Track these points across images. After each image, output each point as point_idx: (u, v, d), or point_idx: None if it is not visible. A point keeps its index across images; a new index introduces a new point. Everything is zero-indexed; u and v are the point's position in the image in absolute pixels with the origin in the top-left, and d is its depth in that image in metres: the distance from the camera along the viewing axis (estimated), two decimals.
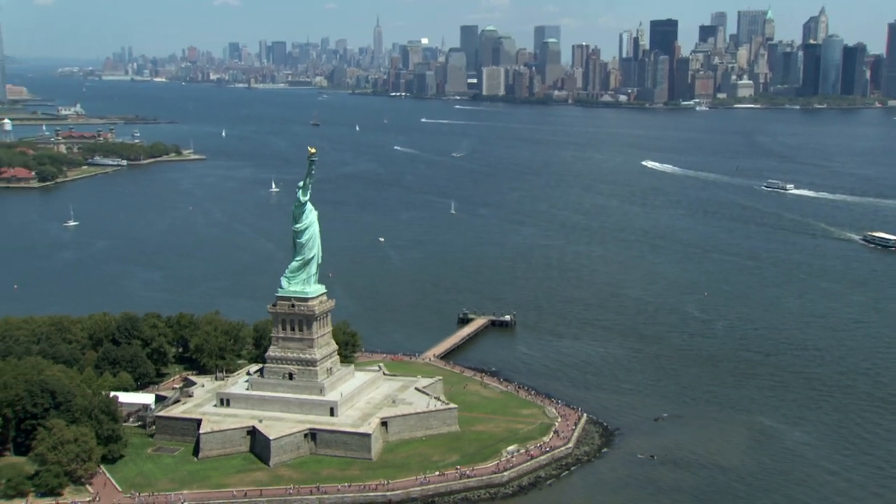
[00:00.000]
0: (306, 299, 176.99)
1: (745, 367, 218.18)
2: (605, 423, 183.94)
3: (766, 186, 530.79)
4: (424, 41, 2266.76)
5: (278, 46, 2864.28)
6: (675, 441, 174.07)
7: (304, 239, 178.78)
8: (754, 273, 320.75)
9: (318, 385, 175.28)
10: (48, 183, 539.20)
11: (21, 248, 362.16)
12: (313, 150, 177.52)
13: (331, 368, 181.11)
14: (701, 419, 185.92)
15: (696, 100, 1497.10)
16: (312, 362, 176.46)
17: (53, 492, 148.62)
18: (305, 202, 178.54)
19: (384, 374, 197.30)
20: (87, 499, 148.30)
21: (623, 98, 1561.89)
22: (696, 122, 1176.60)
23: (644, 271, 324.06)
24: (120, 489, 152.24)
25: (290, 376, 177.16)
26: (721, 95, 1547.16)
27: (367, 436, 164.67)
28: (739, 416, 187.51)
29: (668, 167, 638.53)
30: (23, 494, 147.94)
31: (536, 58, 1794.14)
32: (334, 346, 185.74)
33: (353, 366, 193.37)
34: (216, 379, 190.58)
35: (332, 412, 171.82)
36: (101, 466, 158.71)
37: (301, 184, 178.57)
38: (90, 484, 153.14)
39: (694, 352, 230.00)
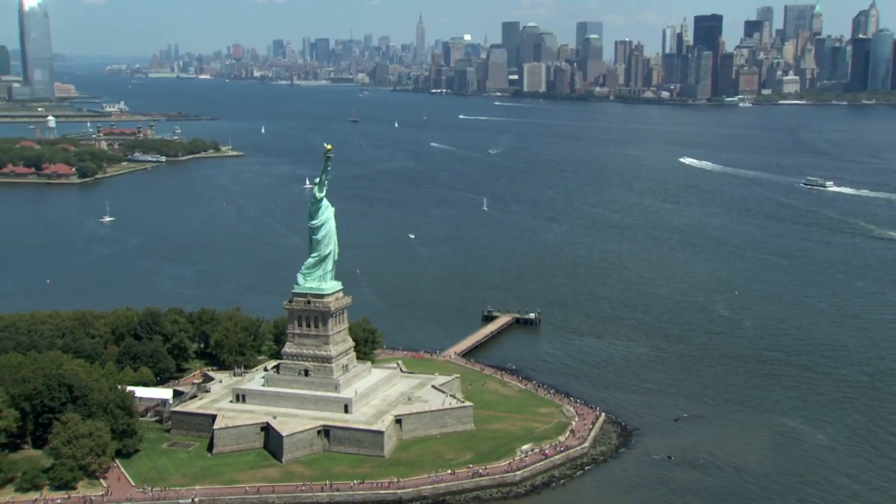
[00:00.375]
0: (322, 296, 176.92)
1: (772, 367, 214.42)
2: (623, 423, 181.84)
3: (804, 184, 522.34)
4: (467, 38, 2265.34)
5: (322, 43, 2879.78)
6: (694, 442, 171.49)
7: (320, 235, 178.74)
8: (788, 272, 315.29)
9: (333, 382, 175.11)
10: (88, 179, 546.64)
11: (58, 243, 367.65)
12: (329, 147, 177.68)
13: (346, 365, 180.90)
14: (722, 420, 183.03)
15: (740, 96, 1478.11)
16: (328, 359, 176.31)
17: (68, 485, 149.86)
18: (321, 199, 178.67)
19: (402, 371, 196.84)
20: (100, 493, 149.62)
21: (665, 94, 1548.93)
22: (738, 118, 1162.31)
23: (674, 269, 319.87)
24: (133, 483, 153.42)
25: (306, 373, 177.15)
26: (766, 91, 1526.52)
27: (380, 433, 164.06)
28: (761, 417, 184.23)
29: (706, 164, 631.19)
30: (38, 488, 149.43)
31: (578, 54, 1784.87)
32: (350, 343, 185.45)
33: (369, 363, 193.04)
34: (234, 375, 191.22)
35: (346, 409, 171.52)
36: (116, 461, 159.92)
37: (317, 180, 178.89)
38: (104, 478, 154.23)
39: (719, 351, 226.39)
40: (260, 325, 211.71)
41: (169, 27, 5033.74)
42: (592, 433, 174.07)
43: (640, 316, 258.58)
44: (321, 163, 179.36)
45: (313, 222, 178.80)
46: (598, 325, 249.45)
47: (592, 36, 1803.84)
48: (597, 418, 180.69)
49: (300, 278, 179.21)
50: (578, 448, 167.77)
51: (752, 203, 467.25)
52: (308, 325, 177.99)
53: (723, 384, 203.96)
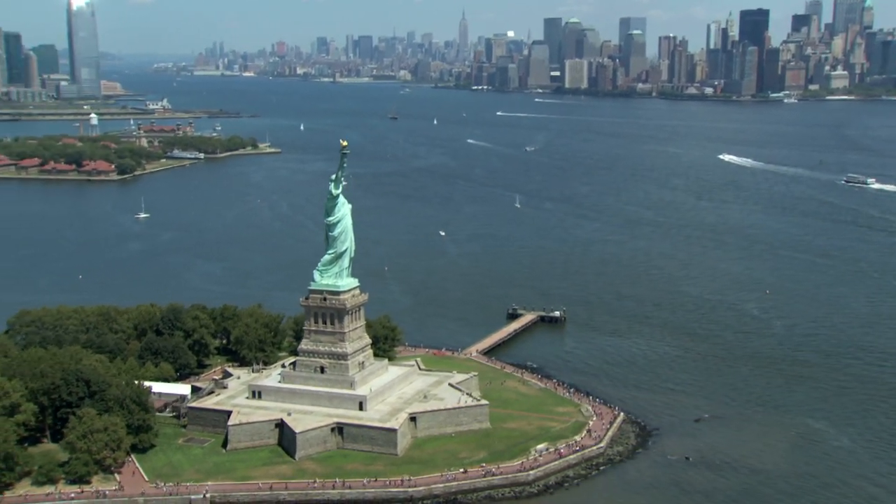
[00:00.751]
0: (338, 293, 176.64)
1: (800, 368, 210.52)
2: (643, 423, 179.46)
3: (845, 181, 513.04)
4: (510, 34, 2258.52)
5: (365, 41, 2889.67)
6: (713, 443, 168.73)
7: (336, 232, 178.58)
8: (823, 271, 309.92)
9: (348, 379, 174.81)
10: (126, 176, 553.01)
11: (93, 238, 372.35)
12: (345, 143, 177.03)
13: (363, 363, 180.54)
14: (743, 421, 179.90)
15: (786, 92, 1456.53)
16: (343, 356, 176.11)
17: (82, 479, 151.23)
18: (338, 195, 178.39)
19: (420, 369, 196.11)
20: (113, 487, 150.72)
21: (709, 91, 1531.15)
22: (783, 114, 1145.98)
23: (705, 268, 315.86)
24: (147, 478, 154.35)
25: (322, 370, 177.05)
26: (813, 87, 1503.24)
27: (394, 431, 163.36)
28: (784, 418, 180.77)
29: (745, 161, 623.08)
30: (53, 481, 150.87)
31: (621, 50, 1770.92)
32: (367, 340, 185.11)
33: (386, 360, 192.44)
34: (252, 371, 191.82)
35: (361, 406, 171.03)
36: (132, 455, 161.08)
37: (333, 177, 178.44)
38: (119, 472, 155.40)
39: (746, 351, 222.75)
40: (280, 321, 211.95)
41: (215, 25, 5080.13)
42: (609, 433, 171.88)
43: (666, 315, 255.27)
44: (339, 159, 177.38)
45: (329, 219, 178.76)
46: (623, 324, 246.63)
47: (635, 32, 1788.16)
48: (615, 418, 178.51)
49: (316, 275, 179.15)
50: (594, 448, 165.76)
51: (790, 201, 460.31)
52: (324, 322, 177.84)
53: (747, 385, 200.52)
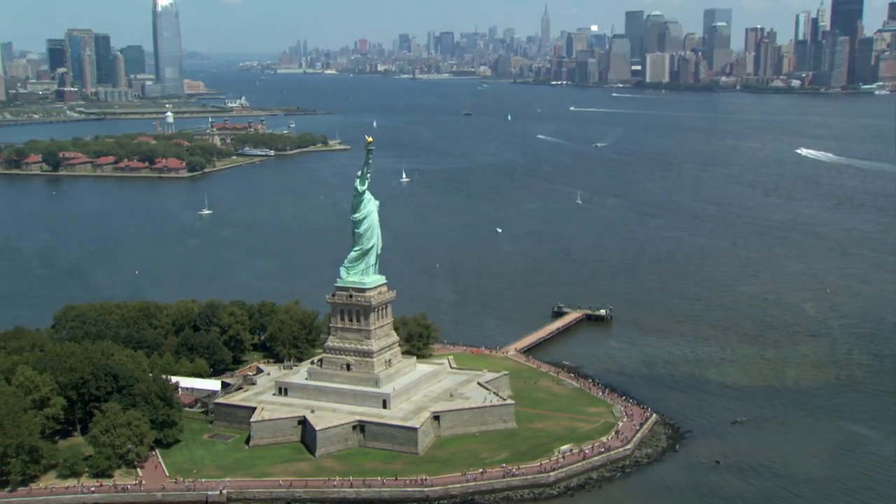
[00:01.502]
0: (364, 290, 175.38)
1: (852, 370, 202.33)
2: (676, 425, 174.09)
3: None
4: (594, 28, 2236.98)
5: (446, 37, 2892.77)
6: (747, 446, 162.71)
7: (362, 229, 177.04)
8: (892, 270, 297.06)
9: (373, 377, 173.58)
10: (196, 173, 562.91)
11: (155, 234, 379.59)
12: (370, 140, 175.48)
13: (389, 360, 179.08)
14: (784, 424, 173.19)
15: (879, 83, 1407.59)
16: (369, 353, 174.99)
17: (104, 473, 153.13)
18: (363, 192, 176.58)
19: (450, 367, 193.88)
20: (133, 482, 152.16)
21: (796, 83, 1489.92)
22: (873, 107, 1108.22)
23: (765, 266, 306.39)
24: (167, 474, 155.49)
25: (348, 367, 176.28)
26: None
27: (414, 430, 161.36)
28: (828, 423, 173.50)
29: (824, 155, 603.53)
30: (77, 475, 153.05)
31: (705, 43, 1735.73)
32: (395, 338, 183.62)
33: (414, 358, 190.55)
34: (283, 367, 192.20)
35: (384, 405, 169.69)
36: (156, 450, 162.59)
37: (359, 173, 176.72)
38: (142, 467, 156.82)
39: (796, 353, 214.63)
40: (315, 318, 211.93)
41: (299, 24, 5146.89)
42: (639, 434, 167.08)
43: (717, 314, 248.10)
44: (364, 155, 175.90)
45: (355, 216, 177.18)
46: (671, 323, 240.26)
47: (720, 23, 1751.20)
48: (646, 419, 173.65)
49: (343, 272, 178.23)
50: (621, 450, 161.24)
51: (866, 196, 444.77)
52: (350, 320, 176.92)
53: (793, 387, 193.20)
